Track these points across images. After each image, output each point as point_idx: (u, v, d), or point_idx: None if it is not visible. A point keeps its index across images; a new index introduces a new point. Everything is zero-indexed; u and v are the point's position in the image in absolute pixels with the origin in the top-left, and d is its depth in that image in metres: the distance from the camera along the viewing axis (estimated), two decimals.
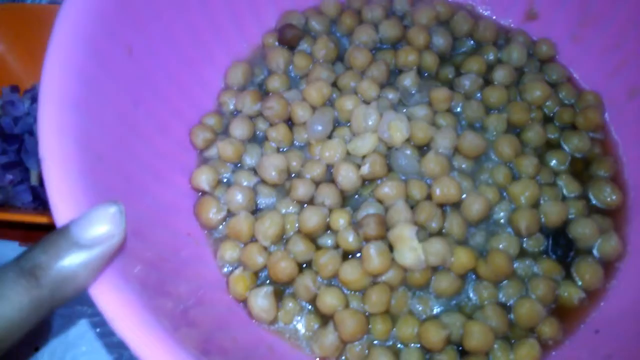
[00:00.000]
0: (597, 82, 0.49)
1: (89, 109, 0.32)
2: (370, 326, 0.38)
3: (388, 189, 0.40)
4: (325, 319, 0.39)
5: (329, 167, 0.43)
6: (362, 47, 0.48)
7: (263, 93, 0.47)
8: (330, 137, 0.44)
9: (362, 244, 0.39)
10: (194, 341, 0.31)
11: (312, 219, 0.40)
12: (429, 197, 0.41)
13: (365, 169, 0.41)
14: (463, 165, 0.43)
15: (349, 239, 0.39)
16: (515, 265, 0.40)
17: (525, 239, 0.41)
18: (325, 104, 0.45)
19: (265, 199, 0.43)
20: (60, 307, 0.25)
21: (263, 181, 0.43)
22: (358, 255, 0.40)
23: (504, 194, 0.43)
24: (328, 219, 0.40)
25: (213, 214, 0.41)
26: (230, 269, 0.41)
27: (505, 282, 0.40)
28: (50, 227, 0.26)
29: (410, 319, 0.38)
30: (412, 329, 0.38)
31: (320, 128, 0.43)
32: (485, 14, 0.53)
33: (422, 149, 0.44)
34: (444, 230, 0.40)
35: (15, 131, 0.52)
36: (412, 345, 0.38)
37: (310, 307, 0.40)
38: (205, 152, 0.45)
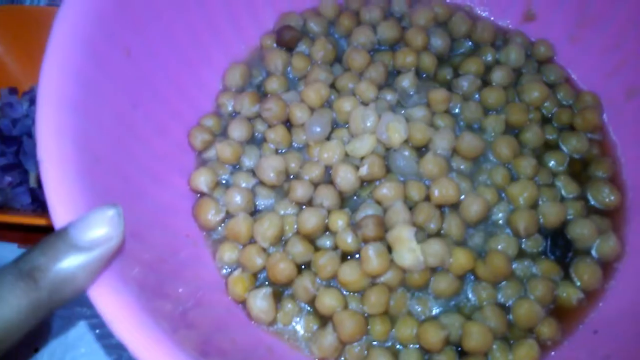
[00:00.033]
0: (595, 82, 0.49)
1: (87, 111, 0.32)
2: (369, 327, 0.38)
3: (386, 190, 0.40)
4: (324, 320, 0.39)
5: (328, 169, 0.43)
6: (360, 48, 0.48)
7: (261, 94, 0.47)
8: (328, 138, 0.44)
9: (360, 245, 0.39)
10: (193, 342, 0.31)
11: (310, 220, 0.40)
12: (427, 198, 0.41)
13: (363, 170, 0.41)
14: (461, 166, 0.43)
15: (348, 240, 0.39)
16: (514, 266, 0.40)
17: (523, 240, 0.41)
18: (324, 105, 0.45)
19: (264, 200, 0.43)
20: (59, 309, 0.25)
21: (262, 182, 0.43)
22: (357, 256, 0.40)
23: (503, 194, 0.43)
24: (327, 220, 0.40)
25: (212, 215, 0.41)
26: (229, 270, 0.41)
27: (504, 282, 0.40)
28: (48, 229, 0.26)
29: (409, 320, 0.38)
30: (411, 329, 0.38)
31: (318, 129, 0.43)
32: (483, 15, 0.53)
33: (421, 150, 0.44)
34: (442, 231, 0.40)
35: (14, 133, 0.52)
36: (411, 346, 0.38)
37: (309, 308, 0.40)
38: (203, 154, 0.45)
